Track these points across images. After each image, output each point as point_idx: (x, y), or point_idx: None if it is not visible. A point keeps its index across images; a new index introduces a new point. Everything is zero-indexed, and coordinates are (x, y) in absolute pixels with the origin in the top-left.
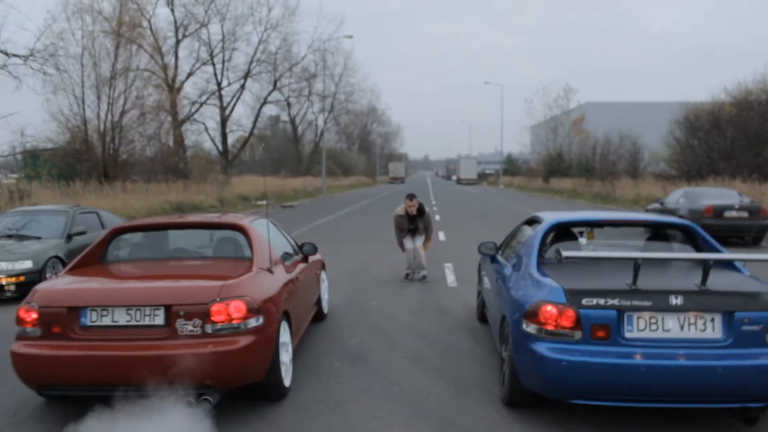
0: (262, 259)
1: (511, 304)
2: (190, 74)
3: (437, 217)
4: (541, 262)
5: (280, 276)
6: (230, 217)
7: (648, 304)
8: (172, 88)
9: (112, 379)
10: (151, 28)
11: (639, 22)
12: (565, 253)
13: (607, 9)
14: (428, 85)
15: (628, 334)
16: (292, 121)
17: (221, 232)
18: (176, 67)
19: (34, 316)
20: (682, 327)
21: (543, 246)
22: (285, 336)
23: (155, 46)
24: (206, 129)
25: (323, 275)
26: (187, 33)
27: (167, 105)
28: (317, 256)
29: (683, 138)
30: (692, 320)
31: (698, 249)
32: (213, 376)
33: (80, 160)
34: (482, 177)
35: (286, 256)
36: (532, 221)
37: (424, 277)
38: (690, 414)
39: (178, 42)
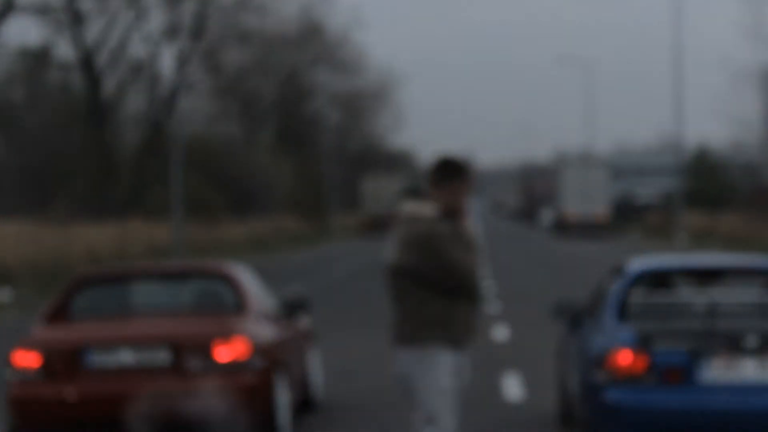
0: (255, 305)
1: (584, 355)
2: None
3: None
4: (625, 313)
5: (272, 325)
6: (213, 263)
7: (723, 346)
8: None
9: (122, 415)
10: None
11: None
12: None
13: None
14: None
15: (703, 377)
16: (87, 61)
17: (202, 280)
18: None
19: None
20: (761, 369)
21: (631, 297)
22: (283, 385)
23: None
24: None
25: (314, 350)
26: None
27: None
28: (308, 322)
29: None
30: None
31: None
32: (216, 412)
33: None
34: (625, 212)
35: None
36: (618, 270)
37: None
38: None
39: None
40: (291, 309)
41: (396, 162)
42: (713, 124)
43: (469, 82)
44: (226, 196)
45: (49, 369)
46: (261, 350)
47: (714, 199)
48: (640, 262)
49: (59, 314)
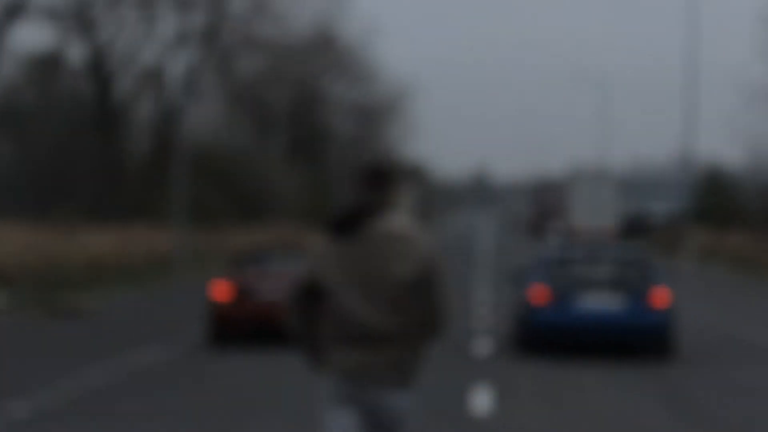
0: None
1: (520, 294)
2: None
3: None
4: (542, 273)
5: None
6: None
7: (588, 286)
8: None
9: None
10: None
11: None
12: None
13: None
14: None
15: (577, 303)
16: (97, 67)
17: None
18: None
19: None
20: (605, 301)
21: (546, 265)
22: None
23: None
24: None
25: None
26: None
27: None
28: None
29: None
30: (610, 298)
31: (645, 265)
32: None
33: None
34: (636, 228)
35: None
36: (543, 256)
37: None
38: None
39: None
40: None
41: (404, 168)
42: (731, 144)
43: (483, 95)
44: (233, 204)
45: (234, 298)
46: None
47: (724, 218)
48: (553, 248)
49: (235, 271)
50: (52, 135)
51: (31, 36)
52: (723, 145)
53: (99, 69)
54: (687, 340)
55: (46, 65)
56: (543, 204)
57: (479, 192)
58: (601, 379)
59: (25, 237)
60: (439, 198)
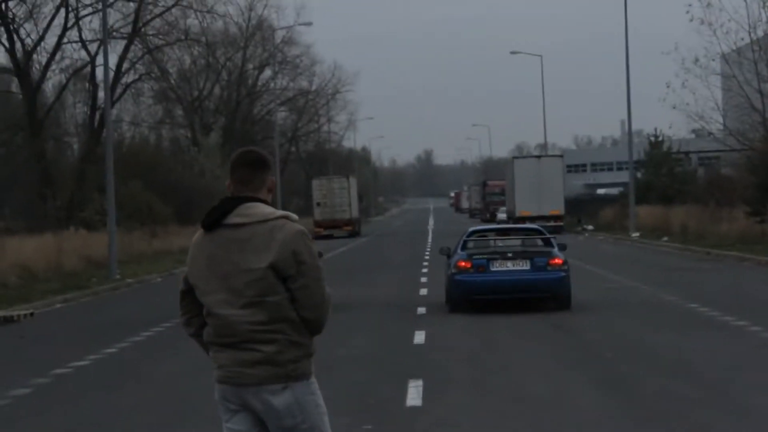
0: None
1: (450, 265)
2: None
3: None
4: (465, 248)
5: None
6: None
7: (499, 256)
8: None
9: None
10: None
11: None
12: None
13: None
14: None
15: (492, 269)
16: (23, 69)
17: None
18: None
19: None
20: (513, 265)
21: (468, 241)
22: None
23: None
24: None
25: None
26: None
27: None
28: None
29: None
30: (517, 262)
31: (543, 237)
32: None
33: None
34: (585, 206)
35: None
36: (465, 231)
37: None
38: (525, 305)
39: None
40: None
41: (350, 156)
42: (674, 117)
43: (423, 81)
44: (170, 203)
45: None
46: None
47: (670, 192)
48: (473, 227)
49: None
50: None
51: None
52: (668, 118)
53: (26, 71)
54: (604, 302)
55: None
56: (485, 188)
57: (426, 178)
58: (526, 360)
59: None
60: (386, 185)
